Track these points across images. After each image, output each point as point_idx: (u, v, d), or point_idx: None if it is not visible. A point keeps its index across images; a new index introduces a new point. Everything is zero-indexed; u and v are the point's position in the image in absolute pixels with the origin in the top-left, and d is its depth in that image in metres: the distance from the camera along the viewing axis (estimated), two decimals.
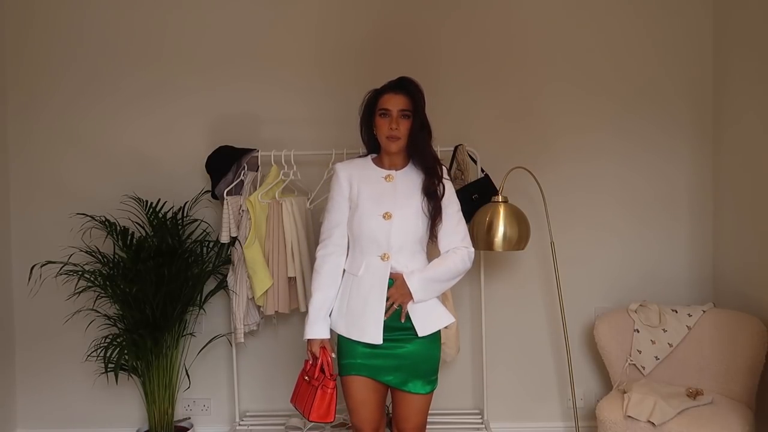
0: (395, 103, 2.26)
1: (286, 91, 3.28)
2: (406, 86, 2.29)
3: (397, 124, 2.25)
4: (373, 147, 2.39)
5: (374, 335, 2.24)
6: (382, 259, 2.26)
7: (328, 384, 2.26)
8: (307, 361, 2.36)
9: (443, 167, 2.37)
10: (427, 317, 2.29)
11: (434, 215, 2.30)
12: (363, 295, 2.27)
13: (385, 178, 2.32)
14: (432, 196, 2.30)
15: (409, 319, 2.27)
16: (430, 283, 2.27)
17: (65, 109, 3.32)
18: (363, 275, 2.27)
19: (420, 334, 2.27)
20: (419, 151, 2.31)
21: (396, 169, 2.34)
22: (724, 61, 3.15)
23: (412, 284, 2.24)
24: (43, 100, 3.32)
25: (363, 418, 2.30)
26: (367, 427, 2.31)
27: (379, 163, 2.36)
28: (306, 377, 2.33)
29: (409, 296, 2.25)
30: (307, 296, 2.99)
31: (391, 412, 2.44)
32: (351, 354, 2.28)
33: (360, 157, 2.44)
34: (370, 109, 2.33)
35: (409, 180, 2.32)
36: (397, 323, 2.26)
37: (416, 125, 2.28)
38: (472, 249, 2.36)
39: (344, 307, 2.30)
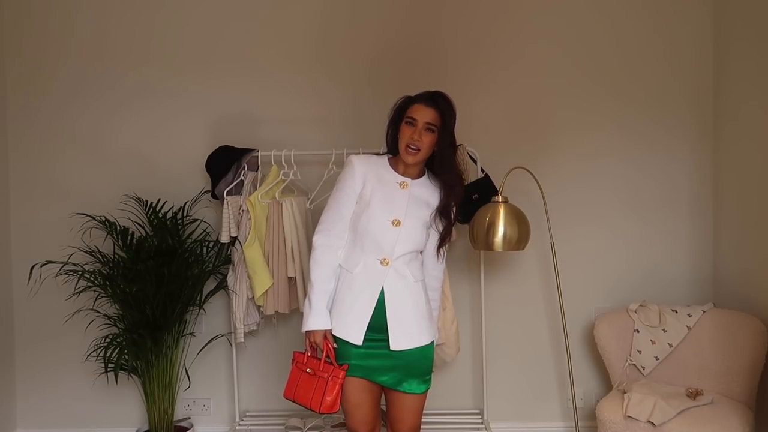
0: (423, 114, 2.25)
1: (285, 91, 3.28)
2: (437, 101, 2.27)
3: (420, 135, 2.23)
4: (393, 150, 2.38)
5: (355, 335, 2.23)
6: (382, 263, 2.26)
7: (338, 374, 2.23)
8: (300, 354, 2.34)
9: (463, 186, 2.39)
10: (411, 332, 2.29)
11: (444, 235, 2.34)
12: (354, 293, 2.26)
13: (400, 185, 2.30)
14: (446, 215, 2.31)
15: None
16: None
17: (65, 109, 3.32)
18: (358, 274, 2.26)
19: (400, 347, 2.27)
20: (444, 168, 2.29)
21: (411, 178, 2.32)
22: (724, 62, 3.14)
23: None
24: (43, 100, 3.32)
25: (358, 421, 2.30)
26: (362, 429, 2.30)
27: (394, 166, 2.34)
28: (308, 369, 2.29)
29: None
30: None
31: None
32: (344, 355, 2.27)
33: (377, 154, 2.42)
34: (399, 115, 2.32)
35: (422, 191, 2.32)
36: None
37: (444, 142, 2.27)
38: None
39: (333, 301, 2.30)
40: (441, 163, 2.29)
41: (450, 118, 2.26)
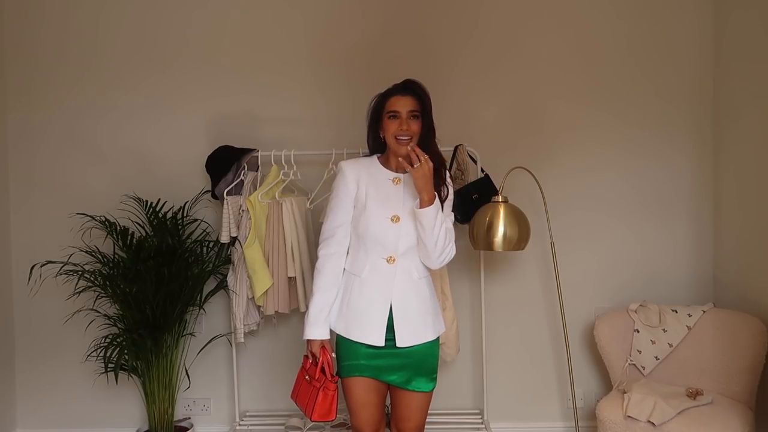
0: (404, 104, 2.26)
1: (286, 91, 3.28)
2: (413, 88, 2.29)
3: (408, 125, 2.24)
4: (377, 149, 2.38)
5: (376, 337, 2.24)
6: (388, 261, 2.26)
7: (330, 386, 2.26)
8: (306, 359, 2.36)
9: (447, 170, 2.38)
10: (418, 328, 2.30)
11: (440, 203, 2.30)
12: (367, 297, 2.26)
13: (393, 181, 2.31)
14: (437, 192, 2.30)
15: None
16: (439, 211, 2.23)
17: (65, 108, 3.32)
18: (367, 277, 2.27)
19: (410, 344, 2.27)
20: (427, 152, 2.29)
21: (403, 172, 2.32)
22: (724, 62, 3.14)
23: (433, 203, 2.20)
24: (43, 99, 3.32)
25: (364, 420, 2.30)
26: (367, 429, 2.30)
27: (385, 164, 2.35)
28: (307, 377, 2.33)
29: (430, 184, 2.19)
30: (307, 296, 2.99)
31: (389, 412, 2.44)
32: (353, 355, 2.28)
33: (365, 156, 2.43)
34: (378, 114, 2.32)
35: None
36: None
37: (425, 127, 2.28)
38: (455, 252, 2.35)
39: (344, 307, 2.29)
40: (424, 149, 2.28)
41: (428, 101, 2.29)
